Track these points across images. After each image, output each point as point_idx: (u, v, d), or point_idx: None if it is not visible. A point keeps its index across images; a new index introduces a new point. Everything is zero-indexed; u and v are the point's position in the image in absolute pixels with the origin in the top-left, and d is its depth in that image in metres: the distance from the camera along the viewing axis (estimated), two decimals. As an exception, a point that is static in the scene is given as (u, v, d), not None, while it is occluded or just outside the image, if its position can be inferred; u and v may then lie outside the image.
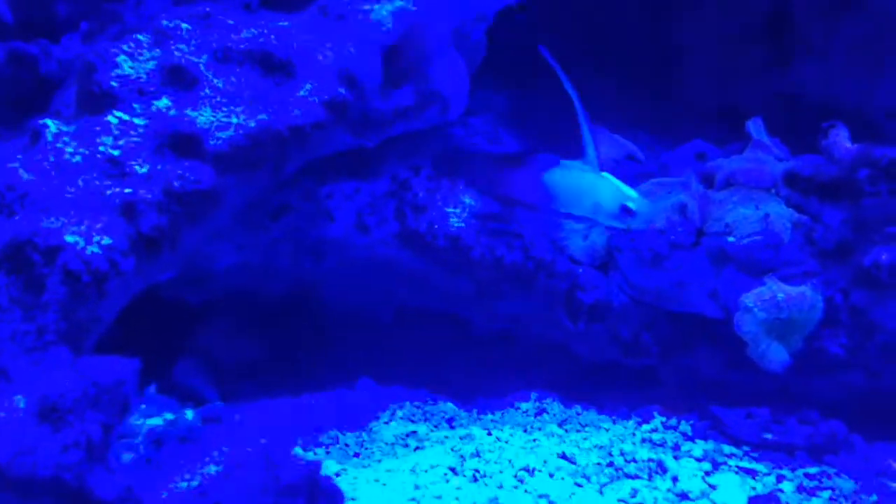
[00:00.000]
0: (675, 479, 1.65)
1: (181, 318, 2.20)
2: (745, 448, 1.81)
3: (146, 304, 1.69)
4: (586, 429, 1.91)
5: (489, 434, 1.85)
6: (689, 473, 1.67)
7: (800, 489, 1.63)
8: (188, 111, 1.60)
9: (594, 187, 1.45)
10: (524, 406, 2.04)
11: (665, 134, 2.65)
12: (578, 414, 2.02)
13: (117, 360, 1.29)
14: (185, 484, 1.59)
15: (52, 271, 1.29)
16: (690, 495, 1.59)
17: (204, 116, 1.60)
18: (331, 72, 1.83)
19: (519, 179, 1.65)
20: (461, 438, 1.82)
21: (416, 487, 1.56)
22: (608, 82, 2.89)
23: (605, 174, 1.61)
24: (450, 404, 2.04)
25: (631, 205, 1.42)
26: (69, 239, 1.33)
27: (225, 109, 1.64)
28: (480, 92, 2.32)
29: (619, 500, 1.55)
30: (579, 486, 1.61)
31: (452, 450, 1.73)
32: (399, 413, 1.97)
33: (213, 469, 1.64)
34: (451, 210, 1.99)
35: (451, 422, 1.95)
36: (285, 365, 2.21)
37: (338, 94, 1.80)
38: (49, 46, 2.01)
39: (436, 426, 1.92)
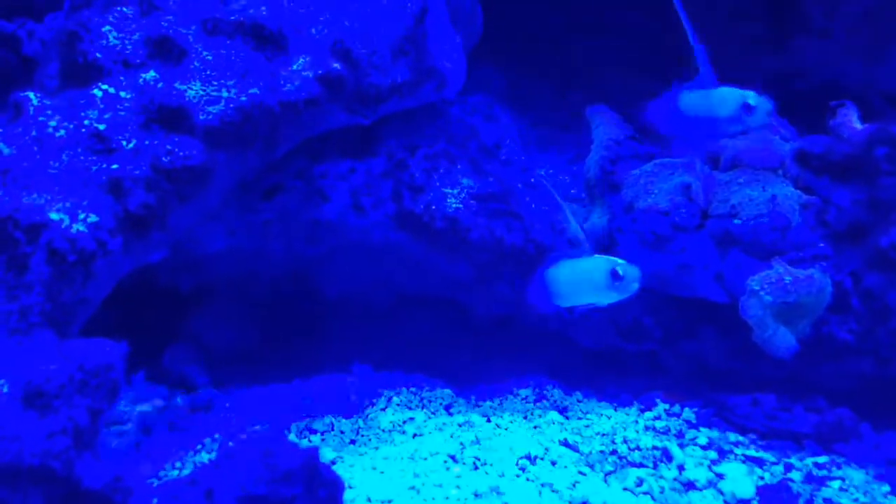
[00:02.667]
0: (680, 468, 1.60)
1: (171, 303, 2.13)
2: (752, 436, 1.77)
3: (134, 290, 1.63)
4: (588, 416, 1.87)
5: (488, 421, 1.81)
6: (695, 462, 1.63)
7: (809, 478, 1.59)
8: (177, 84, 1.53)
9: (585, 271, 1.47)
10: (523, 392, 2.00)
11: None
12: (579, 401, 1.97)
13: (104, 344, 1.23)
14: (175, 472, 1.54)
15: (36, 250, 1.23)
16: (697, 484, 1.55)
17: (193, 90, 1.54)
18: (324, 45, 1.77)
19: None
20: (460, 425, 1.77)
21: (416, 475, 1.51)
22: (601, 60, 2.85)
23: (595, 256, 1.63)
24: (447, 390, 1.99)
25: (619, 270, 1.42)
26: (53, 216, 1.26)
27: (215, 83, 1.58)
28: (477, 70, 2.26)
29: (625, 490, 1.50)
30: (583, 474, 1.56)
31: (452, 437, 1.68)
32: (395, 399, 1.91)
33: (205, 457, 1.59)
34: (449, 191, 1.93)
35: (448, 408, 1.90)
36: (278, 351, 2.16)
37: (332, 69, 1.73)
38: (32, 26, 1.94)
39: (433, 413, 1.87)
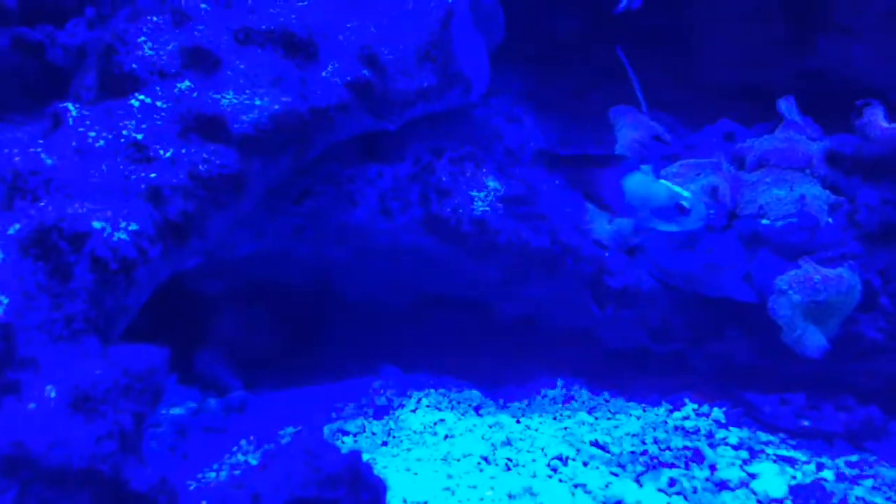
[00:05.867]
0: (712, 468, 1.61)
1: (200, 307, 2.16)
2: (782, 435, 1.77)
3: (164, 294, 1.65)
4: (617, 416, 1.88)
5: (518, 422, 1.82)
6: (726, 462, 1.63)
7: (841, 477, 1.59)
8: (211, 93, 1.56)
9: (651, 191, 1.44)
10: (551, 393, 2.01)
11: (685, 115, 2.60)
12: (607, 401, 1.98)
13: (147, 349, 1.25)
14: (213, 474, 1.56)
15: (80, 258, 1.25)
16: (730, 484, 1.56)
17: (227, 99, 1.56)
18: (352, 52, 1.79)
19: (603, 180, 1.62)
20: (490, 427, 1.78)
21: (449, 476, 1.53)
22: (632, 59, 2.84)
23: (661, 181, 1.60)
24: (475, 392, 2.00)
25: (685, 203, 1.39)
26: (96, 225, 1.29)
27: (248, 92, 1.60)
28: (498, 72, 2.27)
29: (658, 490, 1.51)
30: (615, 475, 1.57)
31: (483, 438, 1.70)
32: (425, 401, 1.93)
33: (241, 458, 1.62)
34: (475, 194, 1.95)
35: (477, 409, 1.92)
36: (307, 354, 2.18)
37: (361, 75, 1.76)
38: (54, 32, 1.96)
39: (463, 414, 1.88)
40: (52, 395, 1.15)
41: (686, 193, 1.40)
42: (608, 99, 2.40)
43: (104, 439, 1.14)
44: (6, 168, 1.32)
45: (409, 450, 1.69)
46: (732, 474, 1.58)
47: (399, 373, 2.09)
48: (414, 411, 1.89)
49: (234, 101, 1.56)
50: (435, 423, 1.80)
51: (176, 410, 1.94)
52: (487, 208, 1.93)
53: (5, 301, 1.18)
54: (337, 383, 2.05)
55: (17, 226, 1.26)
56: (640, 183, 1.46)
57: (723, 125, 2.32)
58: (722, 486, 1.55)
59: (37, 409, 1.12)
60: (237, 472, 1.31)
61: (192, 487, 1.45)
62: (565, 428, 1.78)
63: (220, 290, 2.15)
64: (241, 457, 1.64)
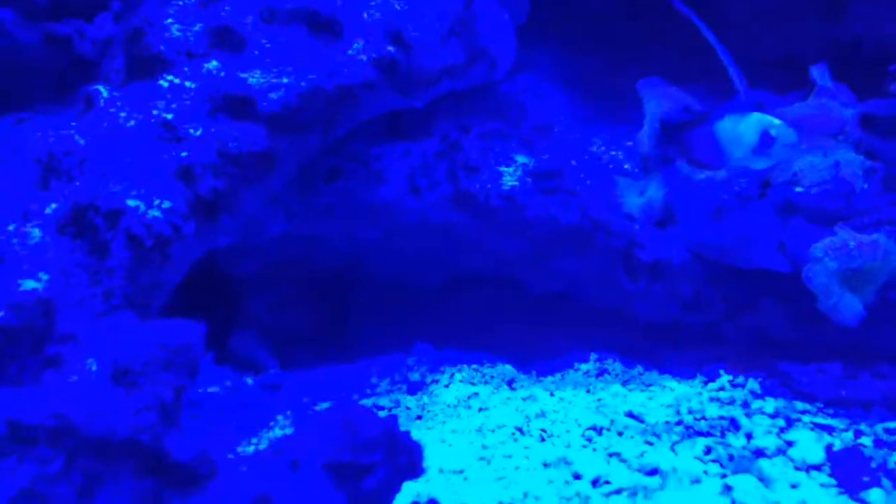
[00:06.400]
0: (748, 436, 1.60)
1: (233, 288, 2.19)
2: (819, 404, 1.75)
3: (198, 275, 1.68)
4: (650, 388, 1.87)
5: (552, 395, 1.82)
6: (763, 430, 1.62)
7: (879, 444, 1.57)
8: (239, 73, 1.57)
9: (742, 126, 1.38)
10: (584, 367, 2.00)
11: (715, 86, 2.56)
12: (640, 374, 1.97)
13: (184, 324, 1.27)
14: (251, 448, 1.58)
15: (116, 235, 1.28)
16: (766, 452, 1.55)
17: (255, 78, 1.58)
18: (377, 29, 1.79)
19: (696, 137, 1.58)
20: (524, 399, 1.78)
21: (484, 447, 1.53)
22: (653, 34, 2.81)
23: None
24: (508, 366, 2.01)
25: (772, 131, 1.32)
26: (130, 203, 1.31)
27: (275, 70, 1.61)
28: (524, 49, 2.26)
29: (694, 458, 1.50)
30: (650, 444, 1.57)
31: (517, 410, 1.70)
32: (458, 376, 1.94)
33: (279, 433, 1.64)
34: (504, 169, 1.95)
35: (511, 384, 1.92)
36: (340, 332, 2.20)
37: (386, 53, 1.76)
38: (83, 27, 1.99)
39: (496, 388, 1.89)
40: (94, 368, 1.18)
41: (776, 121, 1.34)
42: (637, 76, 2.37)
43: (144, 411, 1.16)
44: (41, 149, 1.34)
45: (443, 423, 1.70)
46: (769, 442, 1.57)
47: (431, 349, 2.10)
48: (447, 386, 1.90)
49: (262, 79, 1.57)
50: (469, 397, 1.81)
51: (213, 389, 1.97)
52: (516, 183, 1.92)
53: (45, 278, 1.20)
54: (370, 361, 2.07)
55: (54, 205, 1.29)
56: (731, 123, 1.40)
57: (753, 94, 2.28)
58: (759, 453, 1.54)
59: (78, 382, 1.15)
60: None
61: (238, 456, 1.48)
62: (599, 400, 1.78)
63: (252, 271, 2.17)
64: (278, 431, 1.66)
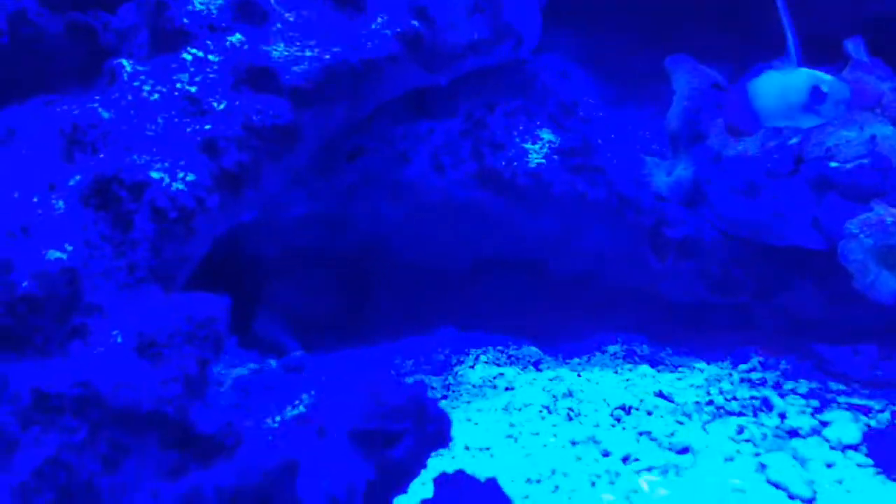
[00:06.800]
0: (782, 416, 1.56)
1: (256, 272, 2.18)
2: (854, 385, 1.71)
3: (220, 258, 1.66)
4: (680, 369, 1.84)
5: (578, 376, 1.79)
6: (796, 410, 1.58)
7: (919, 424, 1.53)
8: (262, 46, 1.55)
9: (788, 86, 1.29)
10: (611, 349, 1.97)
11: (744, 66, 2.51)
12: (669, 355, 1.94)
13: (208, 297, 1.26)
14: (276, 425, 1.57)
15: (140, 207, 1.26)
16: (800, 432, 1.51)
17: (278, 51, 1.55)
18: (401, 4, 1.76)
19: (732, 98, 1.50)
20: (550, 380, 1.76)
21: (511, 425, 1.51)
22: (679, 14, 2.76)
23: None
24: (534, 348, 1.98)
25: (823, 87, 1.24)
26: (154, 175, 1.30)
27: (298, 44, 1.59)
28: (549, 28, 2.22)
29: (728, 438, 1.47)
30: (680, 423, 1.54)
31: (543, 390, 1.68)
32: (483, 358, 1.92)
33: (302, 410, 1.62)
34: (530, 146, 1.92)
35: (537, 365, 1.90)
36: (363, 315, 2.18)
37: (410, 27, 1.73)
38: (106, 17, 1.99)
39: (522, 369, 1.86)
40: (119, 339, 1.16)
41: (827, 77, 1.26)
42: (662, 56, 2.33)
43: (169, 382, 1.15)
44: (66, 122, 1.33)
45: (468, 402, 1.68)
46: (803, 422, 1.53)
47: (455, 331, 2.08)
48: (472, 367, 1.88)
49: (285, 52, 1.55)
50: (494, 378, 1.79)
51: (237, 371, 1.96)
52: (543, 160, 1.89)
53: (69, 248, 1.19)
54: (393, 343, 2.05)
55: (78, 177, 1.28)
56: (773, 79, 1.32)
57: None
58: (792, 433, 1.50)
59: (104, 353, 1.14)
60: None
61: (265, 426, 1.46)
62: (627, 380, 1.75)
63: (275, 253, 2.16)
64: (302, 409, 1.64)
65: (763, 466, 1.36)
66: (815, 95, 1.26)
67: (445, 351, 1.97)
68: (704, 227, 1.94)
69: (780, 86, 1.30)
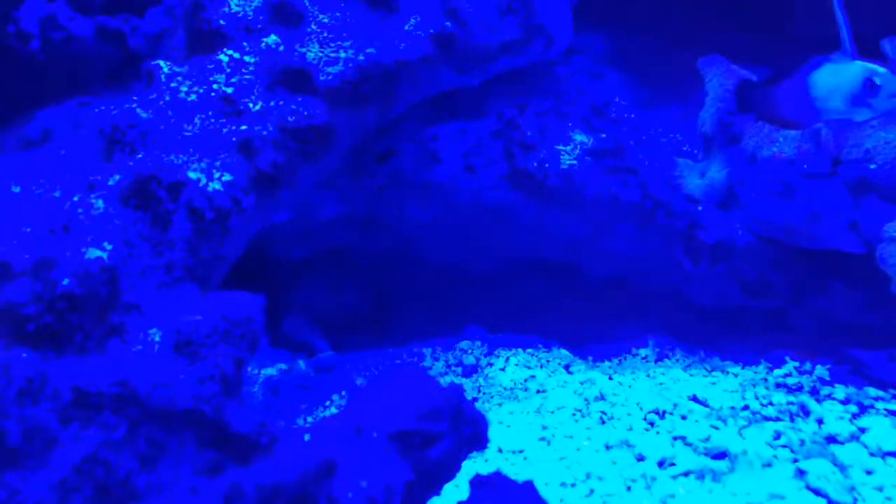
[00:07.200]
0: (819, 422, 1.54)
1: (286, 273, 2.19)
2: (893, 391, 1.68)
3: (251, 260, 1.67)
4: (713, 374, 1.81)
5: (610, 379, 1.78)
6: (834, 416, 1.56)
7: (960, 431, 1.50)
8: (297, 47, 1.56)
9: (843, 77, 1.28)
10: (643, 352, 1.95)
11: (779, 67, 2.48)
12: (702, 359, 1.92)
13: (244, 296, 1.26)
14: (309, 425, 1.57)
15: (178, 207, 1.27)
16: (839, 438, 1.48)
17: (313, 52, 1.56)
18: (434, 5, 1.77)
19: (784, 91, 1.48)
20: (582, 383, 1.74)
21: (544, 427, 1.50)
22: (709, 17, 2.73)
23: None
24: (564, 351, 1.97)
25: (876, 79, 1.23)
26: (192, 175, 1.31)
27: (332, 45, 1.60)
28: (580, 33, 2.21)
29: (766, 444, 1.45)
30: (716, 428, 1.52)
31: (575, 393, 1.66)
32: (513, 360, 1.91)
33: (334, 411, 1.63)
34: (562, 147, 1.91)
35: (567, 367, 1.88)
36: (392, 316, 2.18)
37: (444, 28, 1.73)
38: (135, 21, 2.01)
39: (553, 372, 1.85)
40: (157, 338, 1.17)
41: (881, 69, 1.25)
42: (692, 59, 2.31)
43: (206, 381, 1.15)
44: (105, 122, 1.35)
45: (500, 404, 1.67)
46: (841, 428, 1.50)
47: (484, 333, 2.07)
48: (503, 369, 1.87)
49: (320, 53, 1.56)
50: (525, 380, 1.78)
51: (268, 371, 1.98)
52: (575, 162, 1.88)
53: (109, 247, 1.20)
54: (422, 344, 2.05)
55: (117, 176, 1.29)
56: (830, 71, 1.31)
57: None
58: (831, 439, 1.48)
59: (142, 352, 1.14)
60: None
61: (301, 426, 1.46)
62: (660, 384, 1.73)
63: (305, 255, 2.17)
64: (334, 410, 1.65)
65: (802, 472, 1.34)
66: (869, 87, 1.24)
67: (475, 352, 1.96)
68: (738, 230, 1.91)
69: (837, 78, 1.28)
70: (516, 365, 1.89)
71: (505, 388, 1.76)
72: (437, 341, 2.05)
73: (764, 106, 1.54)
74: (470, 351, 1.97)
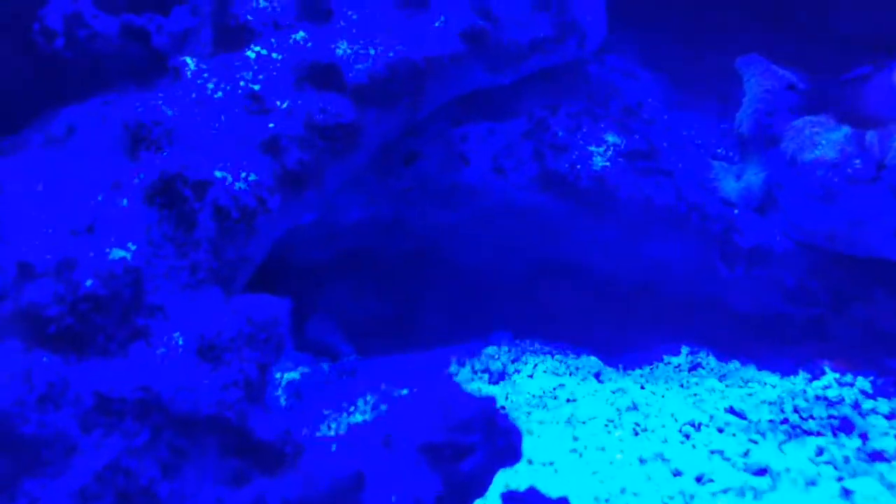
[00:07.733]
0: (863, 438, 1.47)
1: (309, 277, 2.15)
2: (940, 405, 1.61)
3: (273, 263, 1.64)
4: (749, 384, 1.75)
5: (642, 388, 1.72)
6: (879, 432, 1.49)
7: None
8: (325, 44, 1.52)
9: None
10: (675, 360, 1.90)
11: (817, 69, 2.42)
12: (737, 369, 1.85)
13: (269, 299, 1.23)
14: (332, 432, 1.53)
15: (203, 206, 1.24)
16: (885, 455, 1.42)
17: (341, 48, 1.53)
18: (464, 2, 1.72)
19: (871, 89, 1.43)
20: (613, 392, 1.69)
21: (575, 439, 1.45)
22: (741, 19, 2.67)
23: None
24: (594, 358, 1.91)
25: None
26: (217, 174, 1.27)
27: (361, 41, 1.56)
28: (613, 34, 2.16)
29: (808, 460, 1.39)
30: (754, 442, 1.46)
31: (607, 402, 1.61)
32: (541, 367, 1.86)
33: (359, 418, 1.59)
34: (594, 149, 1.85)
35: (597, 376, 1.83)
36: (416, 319, 2.14)
37: (475, 24, 1.69)
38: (160, 20, 1.99)
39: (583, 380, 1.80)
40: (180, 342, 1.14)
41: None
42: (726, 60, 2.25)
43: (230, 387, 1.12)
44: (130, 119, 1.32)
45: (528, 413, 1.62)
46: (887, 444, 1.44)
47: (511, 338, 2.02)
48: (531, 377, 1.83)
49: (349, 50, 1.52)
50: (554, 388, 1.73)
51: (291, 375, 1.94)
52: (608, 163, 1.83)
53: (133, 248, 1.17)
54: (448, 349, 2.00)
55: (142, 175, 1.26)
56: None
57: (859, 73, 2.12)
58: (875, 456, 1.42)
59: (165, 355, 1.11)
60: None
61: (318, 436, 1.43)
62: (694, 395, 1.68)
63: (329, 258, 2.14)
64: (358, 416, 1.61)
65: (848, 492, 1.28)
66: None
67: (502, 358, 1.92)
68: (777, 234, 1.85)
69: None
70: (544, 372, 1.84)
71: (534, 396, 1.71)
72: (463, 346, 2.00)
73: (846, 104, 1.47)
74: (497, 357, 1.92)
